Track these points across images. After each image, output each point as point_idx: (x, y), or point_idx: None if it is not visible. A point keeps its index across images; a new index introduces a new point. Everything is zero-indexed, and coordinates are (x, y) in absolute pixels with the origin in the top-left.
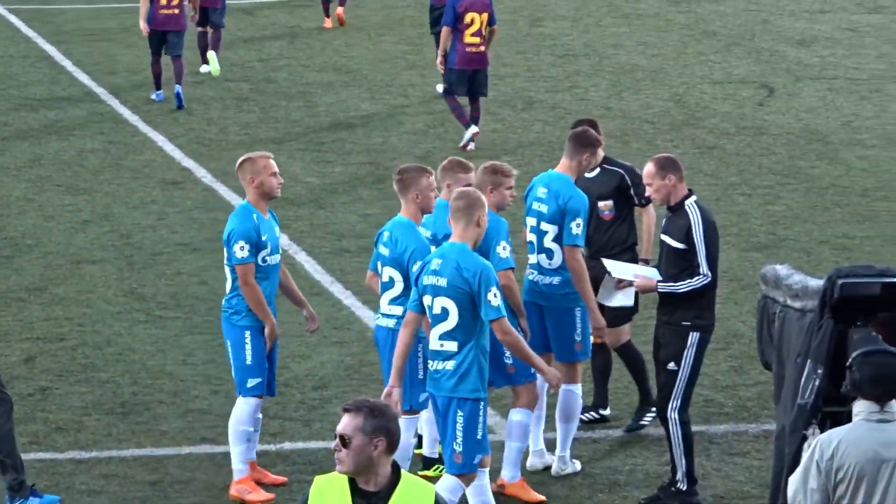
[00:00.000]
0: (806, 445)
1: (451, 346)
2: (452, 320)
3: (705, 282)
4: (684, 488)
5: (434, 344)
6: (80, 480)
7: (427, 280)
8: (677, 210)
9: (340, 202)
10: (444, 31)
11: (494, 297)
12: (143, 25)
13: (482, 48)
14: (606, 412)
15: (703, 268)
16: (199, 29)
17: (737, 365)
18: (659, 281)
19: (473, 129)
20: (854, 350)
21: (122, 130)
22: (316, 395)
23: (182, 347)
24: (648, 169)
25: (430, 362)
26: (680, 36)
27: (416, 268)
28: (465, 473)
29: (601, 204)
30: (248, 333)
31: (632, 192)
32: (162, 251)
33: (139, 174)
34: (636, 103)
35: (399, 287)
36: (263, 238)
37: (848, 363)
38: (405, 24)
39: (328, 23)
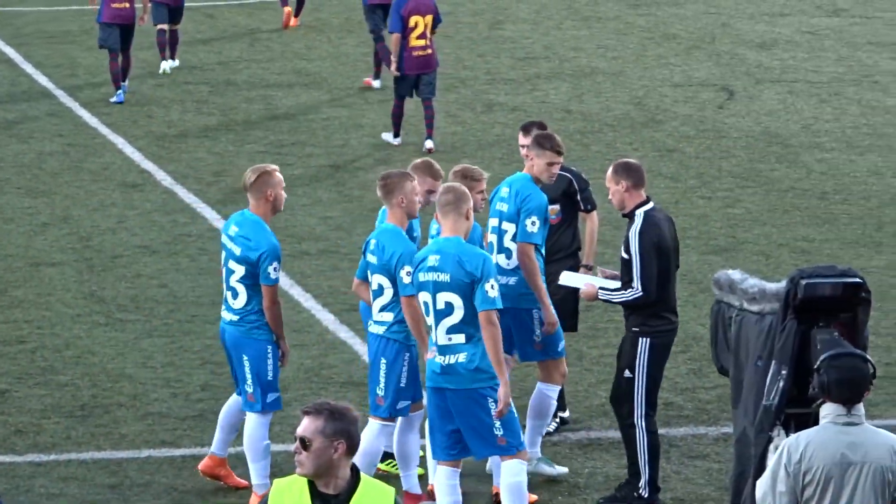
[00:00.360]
0: (772, 447)
1: (460, 338)
2: (458, 314)
3: (636, 296)
4: (646, 496)
5: (442, 339)
6: (39, 483)
7: (425, 277)
8: (629, 218)
9: (300, 204)
10: (394, 37)
11: (492, 289)
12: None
13: (429, 51)
14: (566, 415)
15: (636, 281)
16: (162, 27)
17: (696, 368)
18: (600, 287)
19: (397, 140)
20: (818, 351)
21: (81, 133)
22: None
23: (142, 350)
24: (608, 174)
25: (439, 358)
26: (640, 39)
27: (404, 272)
28: (522, 450)
29: (549, 208)
30: (269, 348)
31: (578, 197)
32: (121, 254)
33: (99, 176)
34: (596, 106)
35: (388, 294)
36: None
37: (816, 366)
38: (365, 26)
39: (287, 20)
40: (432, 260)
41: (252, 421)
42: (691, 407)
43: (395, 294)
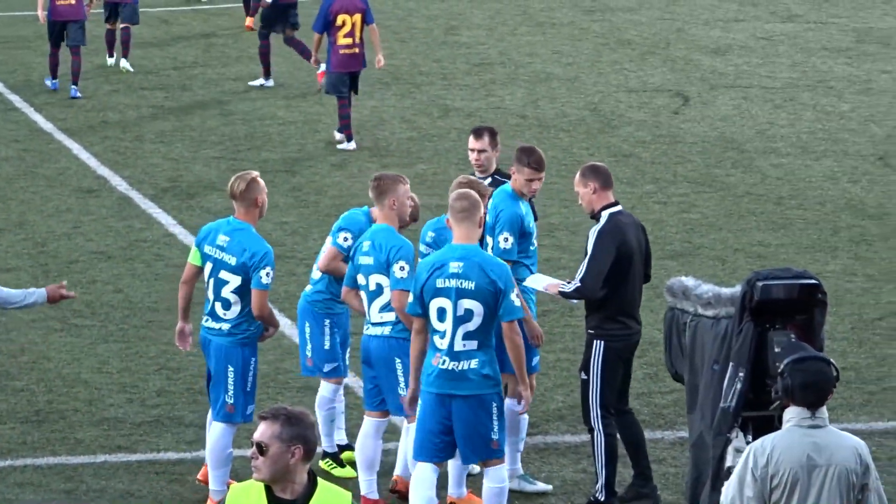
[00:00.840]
0: (730, 449)
1: (474, 345)
2: (477, 321)
3: (574, 287)
4: (602, 499)
5: (457, 346)
6: None
7: (446, 283)
8: (596, 219)
9: None
10: (316, 37)
11: (517, 298)
12: (40, 14)
13: (356, 49)
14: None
15: (579, 274)
16: (108, 26)
17: (651, 373)
18: (559, 285)
19: (347, 142)
20: (777, 354)
21: (36, 138)
22: None
23: (97, 356)
24: (576, 178)
25: (450, 363)
26: (595, 44)
27: (397, 266)
28: (503, 457)
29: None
30: (253, 361)
31: None
32: (77, 259)
33: (54, 182)
34: (552, 111)
35: (388, 293)
36: None
37: (780, 370)
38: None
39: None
40: (455, 266)
41: (221, 430)
42: (647, 412)
43: None
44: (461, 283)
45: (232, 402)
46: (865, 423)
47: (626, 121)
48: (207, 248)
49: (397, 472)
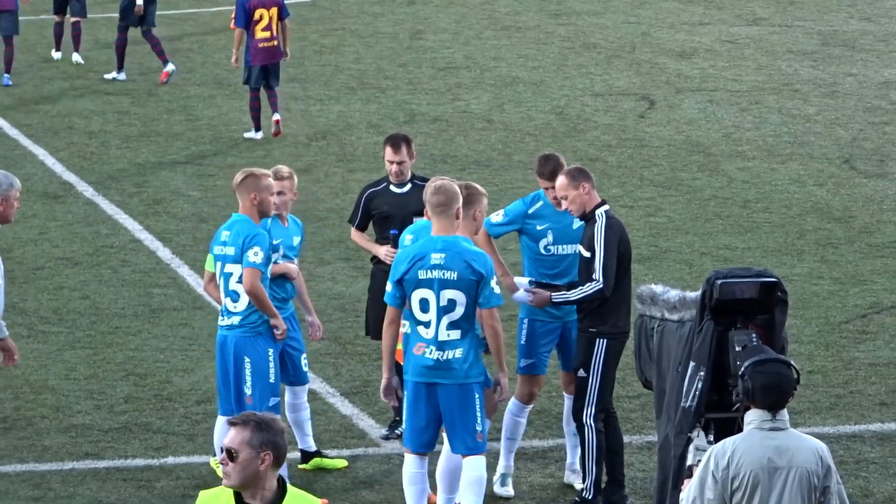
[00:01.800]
0: (692, 448)
1: (457, 334)
2: (460, 310)
3: (596, 287)
4: (590, 497)
5: (442, 335)
6: None
7: (428, 274)
8: (589, 219)
9: (223, 215)
10: (238, 32)
11: (496, 286)
12: None
13: (274, 42)
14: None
15: (597, 273)
16: (56, 18)
17: (620, 377)
18: (553, 293)
19: (255, 132)
20: (738, 354)
21: (2, 144)
22: (199, 410)
23: (64, 362)
24: (561, 181)
25: (435, 353)
26: (560, 48)
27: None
28: (485, 450)
29: (417, 220)
30: (271, 352)
31: None
32: (43, 265)
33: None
34: (517, 116)
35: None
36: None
37: (740, 372)
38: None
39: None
40: (437, 258)
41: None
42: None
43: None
44: (444, 274)
45: (250, 392)
46: (833, 426)
47: (592, 125)
48: (216, 249)
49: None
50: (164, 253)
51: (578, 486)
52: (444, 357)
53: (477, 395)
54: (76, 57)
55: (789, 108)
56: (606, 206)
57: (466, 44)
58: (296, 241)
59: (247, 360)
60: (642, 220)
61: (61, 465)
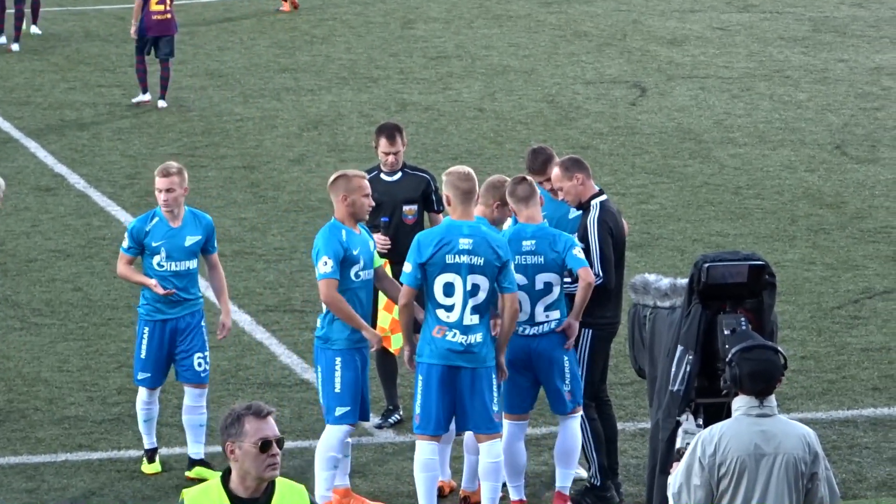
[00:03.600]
0: (680, 431)
1: (478, 319)
2: (482, 295)
3: (598, 283)
4: (598, 483)
5: (467, 320)
6: None
7: (456, 259)
8: (585, 209)
9: (215, 206)
10: (137, 3)
11: (513, 271)
12: None
13: (168, 15)
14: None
15: (596, 267)
16: (17, 6)
17: (612, 364)
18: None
19: (146, 97)
20: (727, 339)
21: None
22: None
23: (57, 354)
24: (556, 173)
25: (460, 337)
26: (551, 37)
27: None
28: (500, 431)
29: (406, 208)
30: (338, 360)
31: (433, 197)
32: (36, 258)
33: (11, 181)
34: (509, 104)
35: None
36: (355, 252)
37: (728, 359)
38: (277, 27)
39: (286, 6)
40: (465, 243)
41: (326, 430)
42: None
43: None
44: (472, 259)
45: (323, 402)
46: (825, 411)
47: (584, 112)
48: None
49: (464, 484)
50: None
51: (584, 474)
52: (469, 341)
53: (494, 378)
54: (34, 29)
55: (780, 94)
56: (603, 197)
57: (457, 33)
58: (189, 240)
59: (319, 368)
60: (634, 208)
61: (55, 457)
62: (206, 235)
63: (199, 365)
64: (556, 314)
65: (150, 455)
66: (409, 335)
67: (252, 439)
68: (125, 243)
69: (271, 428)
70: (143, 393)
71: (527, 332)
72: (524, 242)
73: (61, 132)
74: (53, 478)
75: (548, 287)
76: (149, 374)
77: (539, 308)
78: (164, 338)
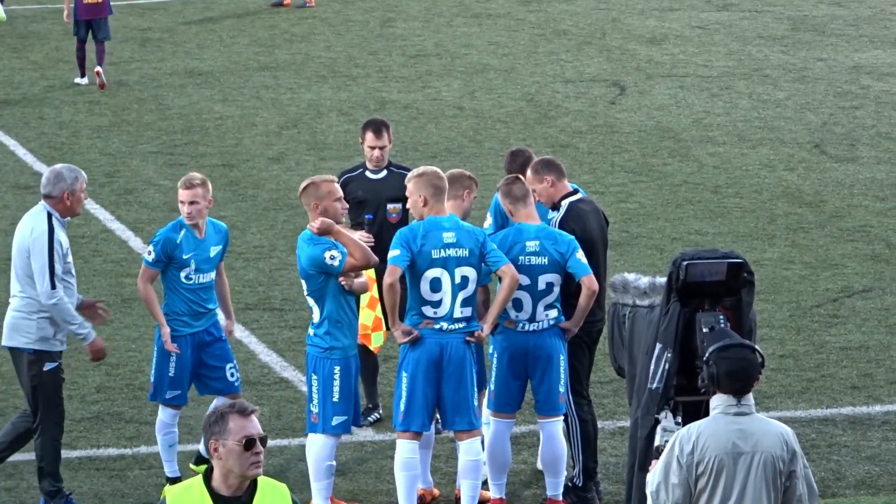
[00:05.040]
0: (659, 429)
1: (468, 311)
2: (471, 287)
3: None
4: (580, 484)
5: (457, 312)
6: None
7: (441, 253)
8: (556, 210)
9: None
10: None
11: (494, 246)
12: None
13: (100, 0)
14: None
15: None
16: None
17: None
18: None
19: (84, 81)
20: (704, 336)
21: None
22: None
23: None
24: (528, 175)
25: (448, 327)
26: (531, 35)
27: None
28: (480, 427)
29: (391, 206)
30: (337, 369)
31: None
32: None
33: None
34: (488, 103)
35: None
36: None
37: (705, 358)
38: (257, 25)
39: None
40: (448, 237)
41: (314, 440)
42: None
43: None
44: (458, 252)
45: (316, 411)
46: (805, 410)
47: (563, 111)
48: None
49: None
50: (136, 243)
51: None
52: (455, 332)
53: (475, 370)
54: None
55: (759, 93)
56: (575, 196)
57: (437, 31)
58: (213, 251)
59: (315, 377)
60: (613, 207)
61: (34, 456)
62: (224, 244)
63: (232, 375)
64: (553, 313)
65: (174, 483)
66: (395, 315)
67: (236, 437)
68: (150, 256)
69: (255, 426)
70: (166, 415)
71: (526, 328)
72: (528, 243)
73: (40, 130)
74: (33, 476)
75: (549, 287)
76: (178, 392)
77: (540, 307)
78: (192, 351)
